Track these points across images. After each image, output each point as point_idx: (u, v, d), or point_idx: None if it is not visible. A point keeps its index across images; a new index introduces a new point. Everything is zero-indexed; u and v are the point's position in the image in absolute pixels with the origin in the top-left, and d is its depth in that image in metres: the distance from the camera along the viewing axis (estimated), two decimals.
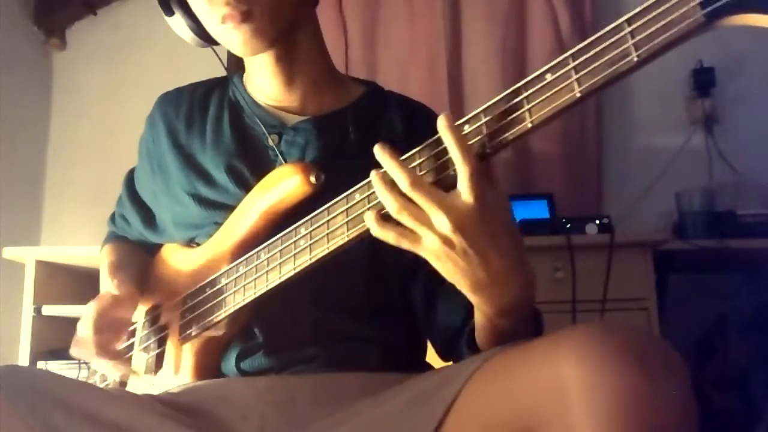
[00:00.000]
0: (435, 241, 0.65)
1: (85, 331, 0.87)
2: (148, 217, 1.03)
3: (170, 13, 0.92)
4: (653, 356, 0.54)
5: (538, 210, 2.23)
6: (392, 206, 0.66)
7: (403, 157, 0.69)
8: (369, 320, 0.88)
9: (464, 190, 0.64)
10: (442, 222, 0.64)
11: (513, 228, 0.68)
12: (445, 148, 0.66)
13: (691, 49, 2.70)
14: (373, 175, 0.68)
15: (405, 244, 0.67)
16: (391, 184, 0.66)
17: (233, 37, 0.85)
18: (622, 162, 2.47)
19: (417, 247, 0.67)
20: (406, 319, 0.93)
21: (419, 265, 0.89)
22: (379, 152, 0.67)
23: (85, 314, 0.88)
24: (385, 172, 0.68)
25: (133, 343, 0.97)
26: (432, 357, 0.98)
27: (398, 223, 0.67)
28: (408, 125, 0.94)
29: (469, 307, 0.84)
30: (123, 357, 0.91)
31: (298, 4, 0.90)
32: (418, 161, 0.69)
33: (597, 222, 1.93)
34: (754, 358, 2.09)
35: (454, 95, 2.48)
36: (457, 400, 0.64)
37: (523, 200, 2.26)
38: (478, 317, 0.74)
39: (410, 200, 0.65)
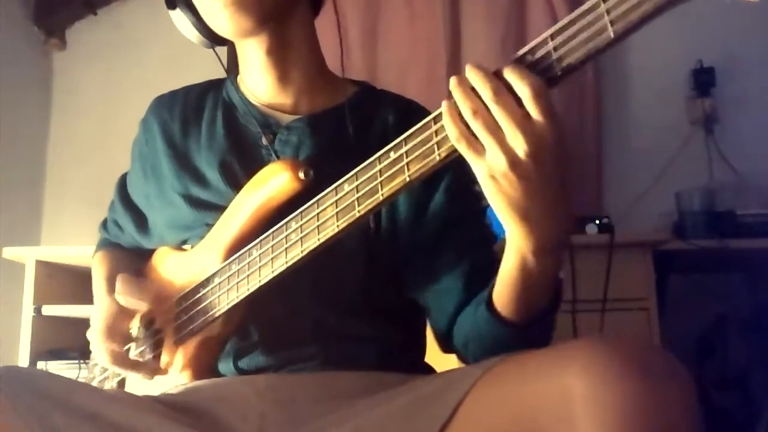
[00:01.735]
0: (500, 160, 0.60)
1: (100, 343, 0.90)
2: (140, 221, 1.03)
3: (172, 6, 0.93)
4: (657, 367, 0.55)
5: None
6: (468, 108, 0.61)
7: (390, 145, 0.70)
8: (368, 319, 0.88)
9: (536, 114, 0.59)
10: (518, 143, 0.60)
11: (568, 165, 0.64)
12: (431, 133, 0.66)
13: (691, 49, 2.71)
14: (452, 79, 0.64)
15: (463, 147, 0.62)
16: (472, 90, 0.62)
17: (220, 13, 0.86)
18: (621, 162, 2.47)
19: (476, 158, 0.62)
20: (405, 319, 0.93)
21: (413, 251, 0.89)
22: (469, 66, 0.63)
23: (97, 327, 0.90)
24: (466, 79, 0.63)
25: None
26: (432, 357, 0.98)
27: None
28: (401, 123, 0.94)
29: (464, 287, 0.85)
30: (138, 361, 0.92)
31: None
32: (406, 147, 0.69)
33: (597, 222, 1.93)
34: (753, 358, 2.09)
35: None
36: (460, 405, 0.64)
37: None
38: (511, 258, 0.70)
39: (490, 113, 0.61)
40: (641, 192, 2.36)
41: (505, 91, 0.60)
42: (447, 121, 0.63)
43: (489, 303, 0.76)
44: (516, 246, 0.68)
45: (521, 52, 0.62)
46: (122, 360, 0.90)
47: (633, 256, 1.91)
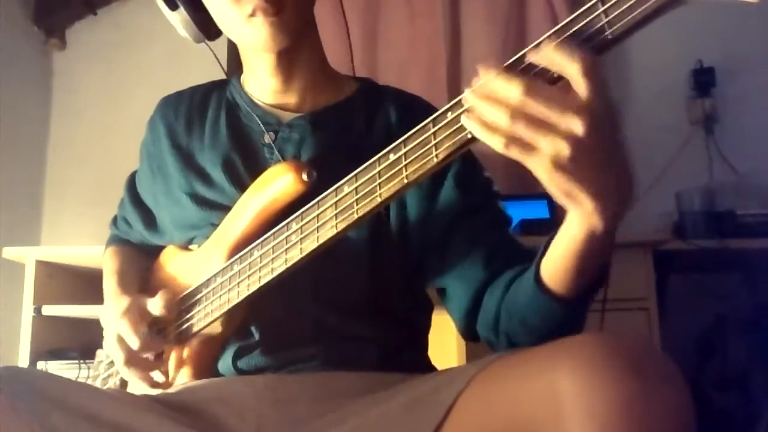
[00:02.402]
0: (563, 147, 0.56)
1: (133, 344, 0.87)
2: (149, 219, 1.03)
3: (174, 7, 0.92)
4: (649, 366, 0.54)
5: (538, 210, 2.23)
6: (501, 117, 0.57)
7: (389, 147, 0.69)
8: (369, 319, 0.88)
9: (585, 89, 0.56)
10: (575, 124, 0.56)
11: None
12: (430, 135, 0.66)
13: (691, 49, 2.71)
14: (469, 93, 0.61)
15: (514, 153, 0.58)
16: (492, 98, 0.59)
17: (261, 30, 0.85)
18: None
19: (531, 158, 0.58)
20: (407, 319, 0.93)
21: (427, 244, 0.89)
22: (482, 70, 0.60)
23: (124, 329, 0.87)
24: (481, 86, 0.60)
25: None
26: (433, 357, 0.97)
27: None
28: (403, 118, 0.94)
29: (483, 267, 0.84)
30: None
31: (314, 2, 0.92)
32: (405, 149, 0.68)
33: None
34: (753, 358, 2.09)
35: (454, 96, 2.47)
36: (455, 404, 0.64)
37: (523, 200, 2.26)
38: (578, 232, 0.65)
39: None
40: (641, 192, 2.36)
41: (535, 84, 0.57)
42: (484, 136, 0.59)
43: (537, 278, 0.73)
44: (584, 221, 0.64)
45: (521, 53, 0.60)
46: (136, 361, 0.88)
47: (633, 256, 1.91)
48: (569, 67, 0.56)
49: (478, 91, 0.60)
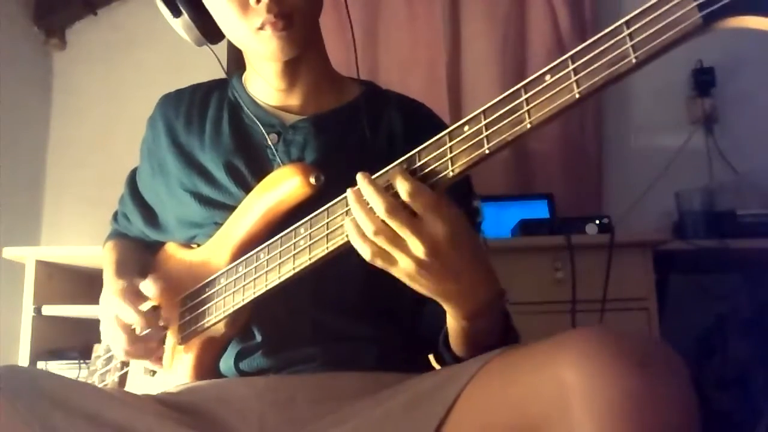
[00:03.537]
0: (410, 264, 0.68)
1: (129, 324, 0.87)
2: (149, 215, 1.03)
3: (178, 14, 0.92)
4: (653, 359, 0.55)
5: (538, 210, 2.23)
6: (368, 228, 0.68)
7: (403, 158, 0.70)
8: (368, 320, 0.88)
9: (431, 219, 0.66)
10: (417, 247, 0.66)
11: (477, 243, 0.72)
12: (446, 149, 0.67)
13: (691, 49, 2.69)
14: (350, 193, 0.70)
15: (378, 263, 0.69)
16: (368, 205, 0.68)
17: (270, 43, 0.85)
18: (622, 162, 2.46)
19: (393, 268, 0.69)
20: (406, 319, 0.93)
21: None
22: (360, 178, 0.69)
23: (124, 312, 0.87)
24: (360, 190, 0.69)
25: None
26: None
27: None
28: (408, 125, 0.95)
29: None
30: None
31: (320, 12, 0.92)
32: (420, 162, 0.69)
33: (597, 222, 1.93)
34: (754, 358, 2.09)
35: (453, 97, 2.48)
36: (458, 401, 0.64)
37: (523, 200, 2.26)
38: (450, 322, 0.77)
39: (386, 224, 0.67)
40: (641, 192, 2.36)
41: (395, 207, 0.66)
42: (357, 243, 0.69)
43: (446, 344, 0.82)
44: (451, 316, 0.76)
45: (542, 71, 0.62)
46: (136, 341, 0.87)
47: (633, 256, 1.91)
48: (403, 197, 0.66)
49: (360, 195, 0.69)
